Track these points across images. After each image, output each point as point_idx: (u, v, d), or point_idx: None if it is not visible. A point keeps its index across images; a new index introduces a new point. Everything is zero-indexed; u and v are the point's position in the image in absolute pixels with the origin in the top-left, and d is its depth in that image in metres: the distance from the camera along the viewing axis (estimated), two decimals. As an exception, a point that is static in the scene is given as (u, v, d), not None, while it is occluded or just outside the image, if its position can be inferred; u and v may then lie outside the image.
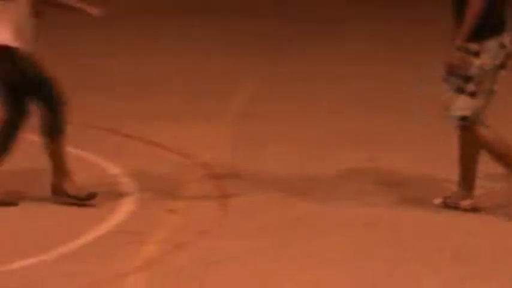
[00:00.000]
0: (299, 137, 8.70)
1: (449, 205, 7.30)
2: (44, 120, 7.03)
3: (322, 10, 14.44)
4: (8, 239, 6.42)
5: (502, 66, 7.05)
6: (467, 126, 7.01)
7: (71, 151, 7.09)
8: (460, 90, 6.91)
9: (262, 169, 7.89)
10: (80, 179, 7.08)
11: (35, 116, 7.20)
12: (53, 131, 7.01)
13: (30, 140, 7.35)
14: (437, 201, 7.33)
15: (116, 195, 7.17)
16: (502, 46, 6.99)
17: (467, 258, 6.37)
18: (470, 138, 7.11)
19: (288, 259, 6.22)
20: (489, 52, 6.93)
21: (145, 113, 8.91)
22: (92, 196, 7.06)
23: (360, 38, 12.96)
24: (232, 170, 7.81)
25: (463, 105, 6.94)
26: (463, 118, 6.95)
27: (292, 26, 13.08)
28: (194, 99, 9.61)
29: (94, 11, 7.38)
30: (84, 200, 7.03)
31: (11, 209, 6.96)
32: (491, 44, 6.94)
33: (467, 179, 7.26)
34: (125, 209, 6.91)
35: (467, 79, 6.87)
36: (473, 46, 6.87)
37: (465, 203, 7.24)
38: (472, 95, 6.93)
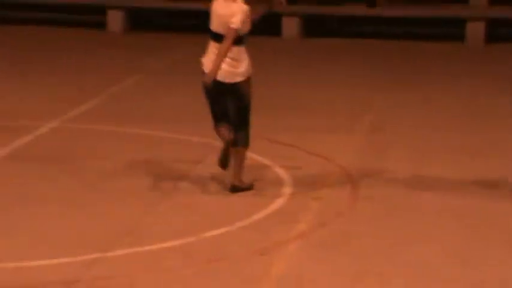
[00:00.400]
0: (412, 146, 8.61)
1: None
2: (236, 135, 7.03)
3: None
4: (202, 217, 6.66)
5: None
6: None
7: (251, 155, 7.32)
8: None
9: (386, 170, 7.83)
10: (255, 175, 7.33)
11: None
12: (242, 145, 7.08)
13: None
14: None
15: (278, 186, 7.25)
16: None
17: None
18: None
19: (400, 237, 6.34)
20: None
21: (298, 128, 8.87)
22: (252, 186, 7.21)
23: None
24: (362, 170, 7.74)
25: None
26: None
27: (412, 67, 12.74)
28: (335, 118, 9.52)
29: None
30: (249, 188, 7.18)
31: (206, 194, 7.11)
32: None
33: None
34: (284, 196, 7.05)
35: None
36: None
37: None
38: None
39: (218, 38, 6.99)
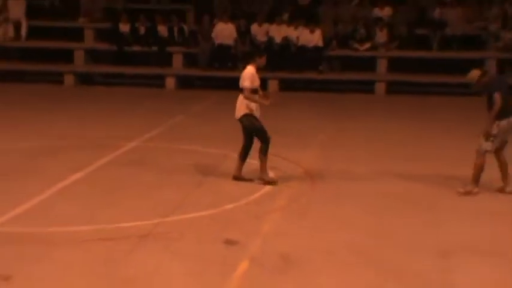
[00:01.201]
0: (350, 154, 8.36)
1: (467, 193, 6.61)
2: (260, 148, 6.92)
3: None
4: (221, 197, 6.50)
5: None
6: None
7: (256, 162, 7.10)
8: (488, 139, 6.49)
9: (333, 170, 7.58)
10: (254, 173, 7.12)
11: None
12: (262, 154, 6.92)
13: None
14: (461, 190, 6.66)
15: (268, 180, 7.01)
16: (509, 122, 6.46)
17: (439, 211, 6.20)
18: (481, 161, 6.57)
19: (342, 208, 6.31)
20: (504, 125, 6.44)
21: (279, 144, 8.17)
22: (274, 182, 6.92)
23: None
24: (318, 170, 7.58)
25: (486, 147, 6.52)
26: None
27: (344, 108, 12.68)
28: (300, 138, 9.30)
29: (267, 102, 6.84)
30: (271, 182, 6.91)
31: (224, 183, 6.92)
32: (504, 122, 6.43)
33: (476, 177, 6.61)
34: (270, 185, 6.92)
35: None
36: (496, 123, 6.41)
37: (475, 190, 6.62)
38: (492, 143, 6.48)
39: (240, 89, 6.88)
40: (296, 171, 7.59)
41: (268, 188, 6.89)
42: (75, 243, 5.31)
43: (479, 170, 6.60)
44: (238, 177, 7.04)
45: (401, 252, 5.22)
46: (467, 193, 6.64)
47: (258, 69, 6.89)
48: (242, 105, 6.84)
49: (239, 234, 5.53)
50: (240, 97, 6.84)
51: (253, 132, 6.88)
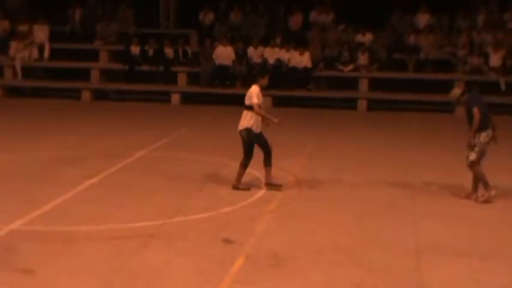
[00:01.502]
0: (333, 163, 8.34)
1: (487, 200, 6.45)
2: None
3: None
4: (219, 201, 6.43)
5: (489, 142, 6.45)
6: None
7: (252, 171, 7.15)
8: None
9: (319, 177, 7.55)
10: (249, 180, 7.13)
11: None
12: (242, 166, 6.88)
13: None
14: (481, 199, 6.51)
15: (260, 186, 7.05)
16: (488, 135, 6.45)
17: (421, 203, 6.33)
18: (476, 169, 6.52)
19: (325, 211, 6.31)
20: (484, 137, 6.42)
21: (275, 155, 8.21)
22: (248, 187, 6.87)
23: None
24: (305, 177, 7.57)
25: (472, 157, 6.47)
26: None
27: (330, 121, 12.60)
28: (291, 148, 9.13)
29: (275, 120, 6.82)
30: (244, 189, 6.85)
31: (222, 189, 6.89)
32: (484, 134, 6.44)
33: (485, 184, 6.54)
34: (262, 191, 6.92)
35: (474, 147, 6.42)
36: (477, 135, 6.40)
37: (492, 193, 6.50)
38: (476, 153, 6.42)
39: (244, 106, 6.85)
40: (287, 178, 7.52)
41: (262, 193, 6.89)
42: (91, 240, 5.34)
43: (483, 177, 6.55)
44: (268, 184, 6.97)
45: (382, 252, 5.22)
46: (487, 200, 6.52)
47: (262, 89, 6.88)
48: (245, 120, 6.81)
49: (235, 234, 5.53)
50: (244, 112, 6.81)
51: (245, 145, 6.81)
